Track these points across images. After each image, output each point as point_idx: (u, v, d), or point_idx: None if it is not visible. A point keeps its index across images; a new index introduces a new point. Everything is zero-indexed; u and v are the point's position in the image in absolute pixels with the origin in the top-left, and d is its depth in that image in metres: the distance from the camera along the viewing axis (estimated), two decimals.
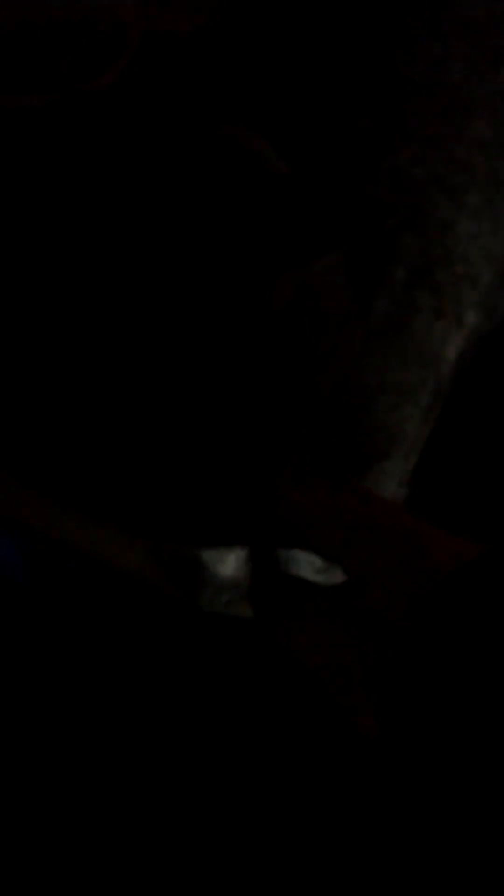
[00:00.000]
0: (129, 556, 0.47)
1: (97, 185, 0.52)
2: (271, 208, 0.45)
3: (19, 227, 0.50)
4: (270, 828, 0.48)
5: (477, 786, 0.36)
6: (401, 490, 0.47)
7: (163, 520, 0.46)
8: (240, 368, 0.45)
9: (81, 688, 0.50)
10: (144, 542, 0.47)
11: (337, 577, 0.42)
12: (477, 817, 0.36)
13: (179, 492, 0.45)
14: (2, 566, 0.51)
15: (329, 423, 0.45)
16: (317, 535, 0.41)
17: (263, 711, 0.50)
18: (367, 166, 0.48)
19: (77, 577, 0.51)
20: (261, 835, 0.48)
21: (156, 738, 0.49)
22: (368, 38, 0.51)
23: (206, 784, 0.49)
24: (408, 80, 0.50)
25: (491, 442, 0.50)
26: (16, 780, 0.48)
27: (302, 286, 0.44)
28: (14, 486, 0.46)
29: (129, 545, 0.47)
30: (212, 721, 0.50)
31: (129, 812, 0.48)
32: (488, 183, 0.49)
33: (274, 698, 0.50)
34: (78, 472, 0.46)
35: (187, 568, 0.46)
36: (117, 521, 0.46)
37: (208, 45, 0.56)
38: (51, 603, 0.51)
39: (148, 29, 0.58)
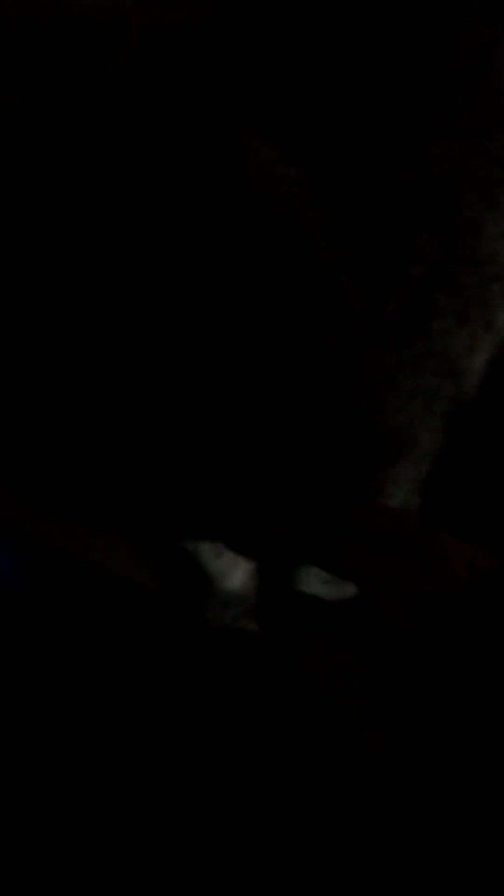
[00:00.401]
0: (132, 569, 0.46)
1: (98, 184, 0.51)
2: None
3: (21, 230, 0.50)
4: (272, 839, 0.48)
5: (494, 810, 0.35)
6: (412, 499, 0.46)
7: (169, 518, 0.45)
8: (245, 365, 0.43)
9: (79, 699, 0.49)
10: (149, 556, 0.46)
11: (346, 591, 0.41)
12: (493, 842, 0.35)
13: (186, 490, 0.44)
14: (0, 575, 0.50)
15: (334, 422, 0.44)
16: (326, 548, 0.40)
17: (267, 727, 0.49)
18: (391, 158, 0.45)
19: (75, 588, 0.50)
20: (262, 845, 0.47)
21: (154, 750, 0.49)
22: (403, 22, 0.48)
23: (206, 799, 0.48)
24: (445, 67, 0.47)
25: None
26: (14, 787, 0.48)
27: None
28: (14, 497, 0.46)
29: (132, 558, 0.46)
30: (213, 736, 0.49)
31: (125, 823, 0.48)
32: None
33: (278, 714, 0.49)
34: (82, 475, 0.45)
35: (193, 582, 0.45)
36: (122, 526, 0.45)
37: (217, 33, 0.54)
38: (48, 614, 0.50)
39: (148, 25, 0.57)
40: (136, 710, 0.49)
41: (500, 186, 0.46)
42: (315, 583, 0.44)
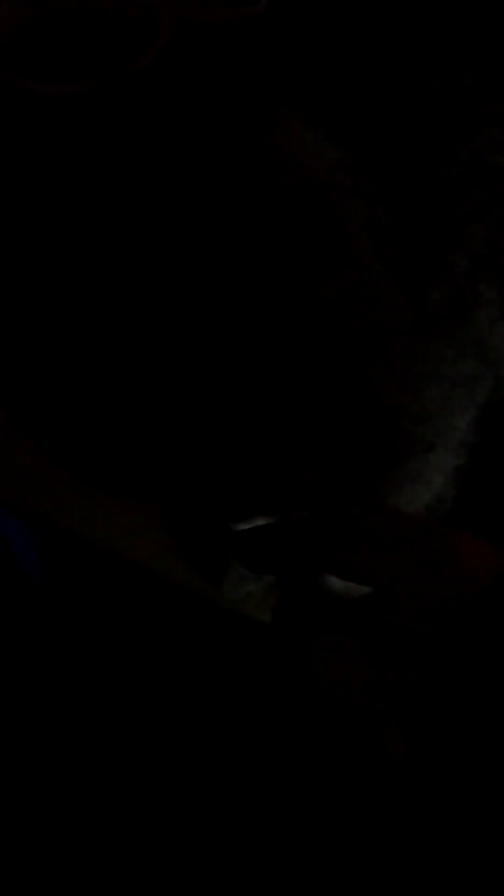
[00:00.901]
0: (152, 550, 0.46)
1: (125, 178, 0.51)
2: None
3: (49, 219, 0.50)
4: (276, 838, 0.47)
5: None
6: (449, 488, 0.45)
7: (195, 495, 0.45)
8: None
9: (89, 688, 0.49)
10: (172, 528, 0.46)
11: (362, 591, 0.41)
12: None
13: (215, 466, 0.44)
14: (16, 560, 0.50)
15: (371, 408, 0.43)
16: (342, 552, 0.40)
17: (273, 724, 0.49)
18: (442, 149, 0.45)
19: (91, 576, 0.49)
20: (265, 844, 0.47)
21: (161, 743, 0.49)
22: (457, 8, 0.48)
23: (210, 796, 0.48)
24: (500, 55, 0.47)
25: None
26: (17, 778, 0.48)
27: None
28: (39, 474, 0.46)
29: (153, 538, 0.46)
30: (219, 731, 0.49)
31: (128, 813, 0.47)
32: None
33: (285, 711, 0.49)
34: (109, 446, 0.45)
35: (214, 554, 0.45)
36: (149, 499, 0.45)
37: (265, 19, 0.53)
38: (63, 600, 0.50)
39: (180, 17, 0.57)
40: (144, 699, 0.49)
41: None
42: (331, 583, 0.43)
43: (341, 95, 0.47)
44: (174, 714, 0.49)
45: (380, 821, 0.47)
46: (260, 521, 0.44)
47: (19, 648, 0.50)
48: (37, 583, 0.51)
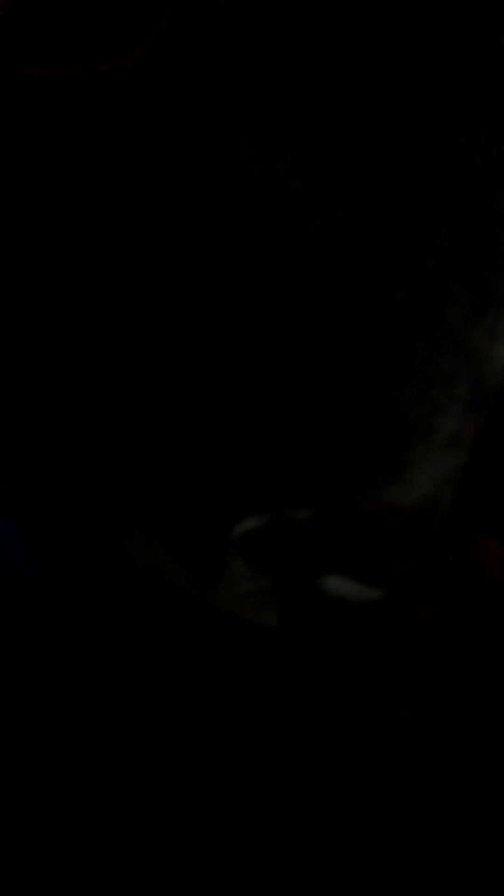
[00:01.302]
0: (144, 546, 0.45)
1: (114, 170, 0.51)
2: None
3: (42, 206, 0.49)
4: (277, 840, 0.47)
5: None
6: (444, 492, 0.44)
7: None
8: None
9: (83, 688, 0.49)
10: (168, 529, 0.45)
11: (373, 592, 0.40)
12: None
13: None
14: (9, 560, 0.50)
15: (341, 408, 0.43)
16: (353, 553, 0.39)
17: (274, 727, 0.48)
18: (416, 147, 0.44)
19: (84, 574, 0.49)
20: (266, 846, 0.47)
21: (157, 746, 0.48)
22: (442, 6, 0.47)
23: (210, 798, 0.48)
24: (484, 51, 0.45)
25: None
26: (14, 779, 0.48)
27: None
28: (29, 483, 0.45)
29: (145, 534, 0.45)
30: (218, 734, 0.48)
31: (127, 819, 0.47)
32: None
33: (286, 715, 0.48)
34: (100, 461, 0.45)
35: (208, 555, 0.45)
36: (138, 510, 0.45)
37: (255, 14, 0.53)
38: (56, 599, 0.50)
39: (183, 2, 0.56)
40: (140, 701, 0.49)
41: None
42: (340, 586, 0.42)
43: (300, 95, 0.47)
44: (170, 717, 0.48)
45: (383, 826, 0.46)
46: (255, 520, 0.43)
47: (11, 647, 0.50)
48: (26, 581, 0.50)
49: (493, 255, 0.44)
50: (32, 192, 0.52)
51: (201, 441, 0.44)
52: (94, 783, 0.47)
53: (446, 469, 0.45)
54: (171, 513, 0.45)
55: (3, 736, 0.48)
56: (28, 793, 0.47)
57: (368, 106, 0.45)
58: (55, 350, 0.46)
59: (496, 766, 0.34)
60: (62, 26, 0.57)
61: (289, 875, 0.46)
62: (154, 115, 0.54)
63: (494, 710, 0.34)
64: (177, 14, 0.57)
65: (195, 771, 0.48)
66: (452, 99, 0.45)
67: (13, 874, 0.45)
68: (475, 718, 0.35)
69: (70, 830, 0.47)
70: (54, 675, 0.49)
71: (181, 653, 0.49)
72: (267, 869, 0.46)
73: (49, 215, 0.50)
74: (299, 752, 0.48)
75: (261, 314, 0.43)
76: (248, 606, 0.45)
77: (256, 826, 0.47)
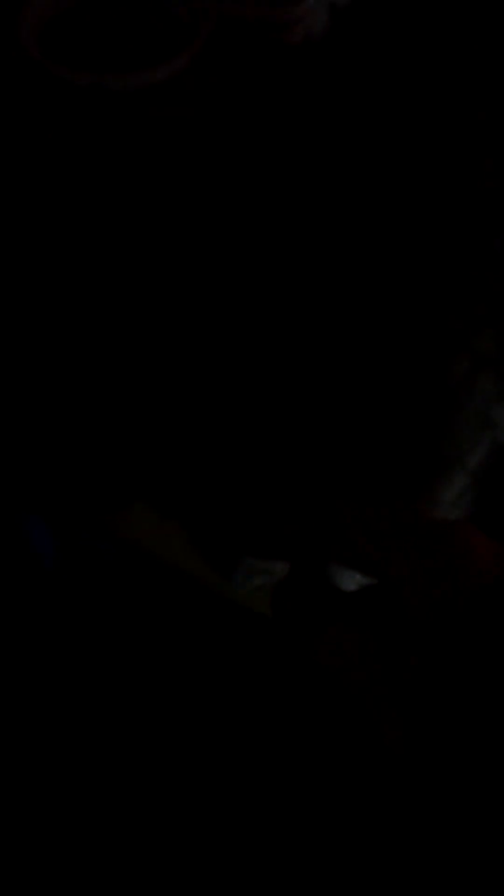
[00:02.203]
0: (166, 539, 0.46)
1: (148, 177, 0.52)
2: None
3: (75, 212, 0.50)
4: (275, 834, 0.48)
5: None
6: (455, 511, 0.45)
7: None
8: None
9: (98, 674, 0.50)
10: (186, 523, 0.46)
11: (365, 581, 0.40)
12: None
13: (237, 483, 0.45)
14: (31, 549, 0.51)
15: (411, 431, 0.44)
16: (346, 542, 0.40)
17: (276, 714, 0.49)
18: (459, 252, 0.46)
19: (103, 562, 0.50)
20: (265, 841, 0.47)
21: (166, 734, 0.49)
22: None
23: (212, 789, 0.48)
24: None
25: None
26: (26, 770, 0.48)
27: None
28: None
29: (170, 534, 0.46)
30: (222, 715, 0.49)
31: (135, 799, 0.48)
32: None
33: (288, 702, 0.49)
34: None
35: (223, 548, 0.45)
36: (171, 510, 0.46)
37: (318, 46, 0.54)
38: (75, 585, 0.51)
39: (224, 15, 0.57)
40: (151, 687, 0.49)
41: None
42: (348, 581, 0.43)
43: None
44: (175, 700, 0.50)
45: (379, 815, 0.47)
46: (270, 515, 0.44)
47: (29, 629, 0.51)
48: (47, 567, 0.51)
49: None
50: (63, 196, 0.52)
51: (241, 443, 0.46)
52: (106, 756, 0.48)
53: (462, 490, 0.46)
54: (195, 505, 0.47)
55: (18, 708, 0.49)
56: (40, 766, 0.48)
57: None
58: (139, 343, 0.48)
59: (486, 751, 0.34)
60: (105, 35, 0.58)
61: (281, 858, 0.47)
62: (189, 126, 0.55)
63: (484, 696, 0.35)
64: (215, 29, 0.58)
65: (199, 752, 0.48)
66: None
67: (13, 871, 0.46)
68: (465, 703, 0.35)
69: (74, 808, 0.47)
70: (68, 656, 0.50)
71: (190, 636, 0.50)
72: (266, 851, 0.47)
73: (64, 218, 0.51)
74: (297, 732, 0.48)
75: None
76: (260, 599, 0.46)
77: (253, 810, 0.47)
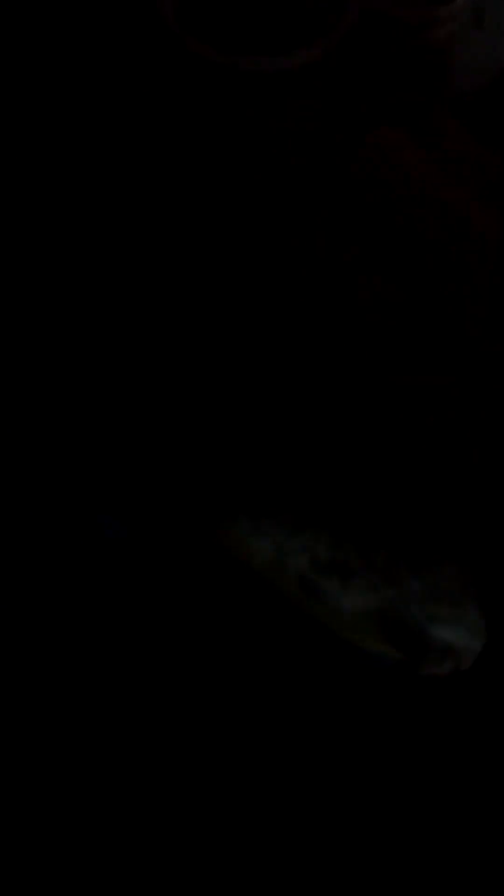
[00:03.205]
0: (258, 549, 0.45)
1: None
2: None
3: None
4: (277, 829, 0.46)
5: None
6: None
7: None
8: None
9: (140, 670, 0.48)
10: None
11: None
12: None
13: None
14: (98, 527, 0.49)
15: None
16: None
17: (280, 712, 0.48)
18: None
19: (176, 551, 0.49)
20: (267, 836, 0.46)
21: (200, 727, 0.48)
22: None
23: (214, 778, 0.47)
24: None
25: None
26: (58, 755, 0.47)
27: None
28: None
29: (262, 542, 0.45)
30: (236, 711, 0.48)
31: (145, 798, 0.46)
32: None
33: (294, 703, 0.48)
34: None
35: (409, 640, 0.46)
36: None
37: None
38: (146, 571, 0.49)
39: (369, 9, 0.56)
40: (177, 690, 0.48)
41: None
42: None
43: None
44: (183, 693, 0.48)
45: (381, 815, 0.46)
46: None
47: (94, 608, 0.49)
48: (109, 538, 0.50)
49: None
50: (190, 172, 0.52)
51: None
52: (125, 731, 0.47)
53: None
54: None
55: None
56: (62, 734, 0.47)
57: None
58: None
59: None
60: (239, 14, 0.57)
61: (282, 855, 0.45)
62: (315, 119, 0.54)
63: None
64: (358, 20, 0.57)
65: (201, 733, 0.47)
66: None
67: (13, 869, 0.45)
68: None
69: (80, 792, 0.46)
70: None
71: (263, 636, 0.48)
72: (261, 851, 0.45)
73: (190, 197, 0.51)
74: (299, 733, 0.47)
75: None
76: (345, 624, 0.44)
77: (254, 807, 0.46)
